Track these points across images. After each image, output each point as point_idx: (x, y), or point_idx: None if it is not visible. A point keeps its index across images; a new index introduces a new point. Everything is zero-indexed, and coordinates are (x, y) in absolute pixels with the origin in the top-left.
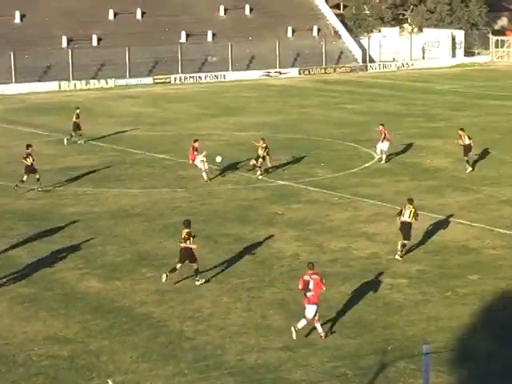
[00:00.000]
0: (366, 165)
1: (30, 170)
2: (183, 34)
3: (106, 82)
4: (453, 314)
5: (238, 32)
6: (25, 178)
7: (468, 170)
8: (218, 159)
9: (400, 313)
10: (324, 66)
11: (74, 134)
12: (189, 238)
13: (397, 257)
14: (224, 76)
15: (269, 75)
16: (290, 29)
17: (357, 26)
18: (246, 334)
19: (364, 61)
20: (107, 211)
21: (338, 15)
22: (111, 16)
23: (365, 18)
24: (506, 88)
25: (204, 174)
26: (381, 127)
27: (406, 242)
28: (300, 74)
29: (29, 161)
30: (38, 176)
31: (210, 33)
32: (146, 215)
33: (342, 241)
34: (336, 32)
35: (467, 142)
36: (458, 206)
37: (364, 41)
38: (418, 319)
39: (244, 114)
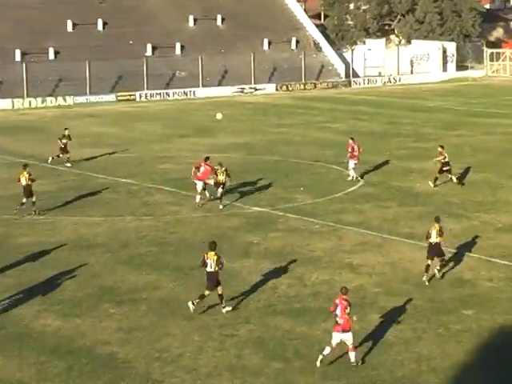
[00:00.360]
0: (351, 189)
1: (28, 192)
2: (149, 46)
3: (64, 100)
4: (446, 352)
5: (209, 44)
6: (24, 200)
7: (432, 185)
8: (219, 116)
9: (389, 351)
10: (303, 81)
11: (62, 156)
12: (221, 261)
13: (437, 274)
14: (194, 92)
15: (243, 91)
16: (266, 41)
17: (339, 37)
18: (219, 375)
19: (347, 76)
20: (66, 241)
21: (318, 26)
22: (70, 27)
23: (348, 29)
24: (502, 105)
25: (198, 197)
26: (350, 141)
27: (443, 257)
28: (277, 89)
29: (26, 182)
30: (34, 199)
31: (178, 45)
32: (109, 245)
33: (324, 273)
34: (316, 44)
35: (447, 159)
36: (451, 234)
37: (347, 54)
38: (408, 358)
39: (216, 135)
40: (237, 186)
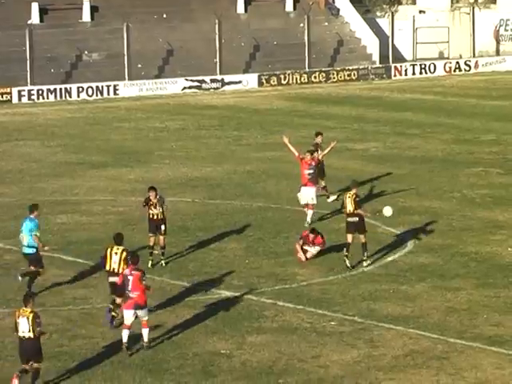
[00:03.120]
0: (391, 258)
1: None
2: (35, 7)
3: None
4: None
5: (142, 5)
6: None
7: None
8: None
9: None
10: (308, 68)
11: None
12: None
13: None
14: (115, 89)
15: (201, 87)
16: None
17: None
18: None
19: (384, 59)
20: None
21: None
22: None
23: None
24: None
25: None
26: (308, 156)
27: None
28: (261, 84)
29: (156, 211)
30: (163, 243)
31: (86, 6)
32: None
33: None
34: (331, 4)
35: None
36: None
37: (384, 21)
38: None
39: (153, 163)
40: (192, 252)
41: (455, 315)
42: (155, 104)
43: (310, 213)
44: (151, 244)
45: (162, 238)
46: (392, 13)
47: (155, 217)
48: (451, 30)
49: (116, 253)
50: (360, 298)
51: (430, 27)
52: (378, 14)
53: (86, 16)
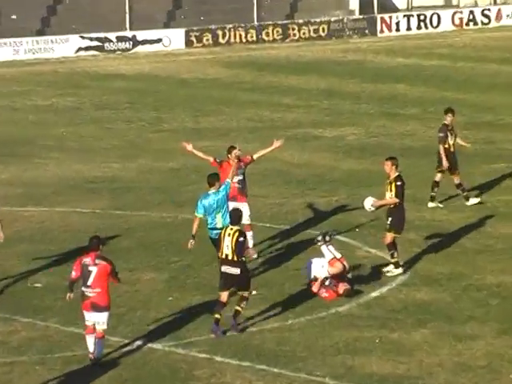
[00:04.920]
0: (376, 293)
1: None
2: None
3: None
4: None
5: None
6: None
7: None
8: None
9: None
10: (256, 22)
11: None
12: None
13: None
14: None
15: (104, 48)
16: None
17: None
18: None
19: (366, 7)
20: None
21: None
22: None
23: None
24: None
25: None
26: (232, 155)
27: None
28: (190, 43)
29: None
30: None
31: None
32: None
33: None
34: None
35: None
36: None
37: None
38: None
39: (35, 158)
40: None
41: (469, 375)
42: (37, 72)
43: (249, 235)
44: None
45: None
46: None
47: None
48: None
49: (229, 234)
50: (332, 351)
51: None
52: None
53: None
